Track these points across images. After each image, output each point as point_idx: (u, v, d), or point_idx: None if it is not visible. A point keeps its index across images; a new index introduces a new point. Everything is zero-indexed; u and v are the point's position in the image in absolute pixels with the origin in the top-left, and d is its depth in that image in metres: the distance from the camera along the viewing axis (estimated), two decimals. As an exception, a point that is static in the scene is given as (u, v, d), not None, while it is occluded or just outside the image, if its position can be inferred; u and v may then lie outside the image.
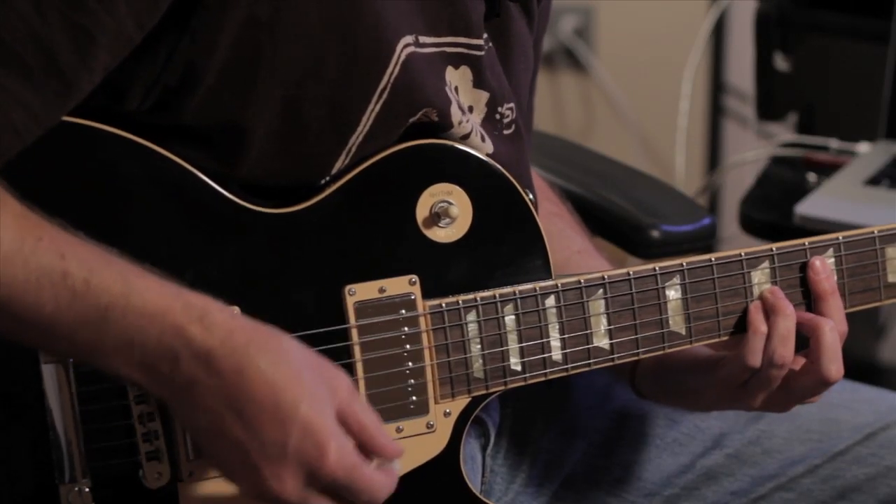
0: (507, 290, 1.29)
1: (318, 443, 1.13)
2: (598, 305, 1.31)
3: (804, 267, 1.36)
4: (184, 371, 1.12)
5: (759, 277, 1.35)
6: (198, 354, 1.12)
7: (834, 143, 2.22)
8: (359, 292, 1.25)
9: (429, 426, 1.29)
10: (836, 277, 1.37)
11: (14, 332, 1.14)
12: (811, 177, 2.15)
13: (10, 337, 1.15)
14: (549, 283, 1.30)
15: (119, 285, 1.13)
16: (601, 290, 1.31)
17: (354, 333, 1.25)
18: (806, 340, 1.34)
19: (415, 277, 1.27)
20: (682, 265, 1.33)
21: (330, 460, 1.13)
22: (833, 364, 1.31)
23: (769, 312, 1.32)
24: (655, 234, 1.77)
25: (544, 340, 1.30)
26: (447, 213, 1.27)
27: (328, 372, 1.16)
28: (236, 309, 1.21)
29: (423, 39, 1.25)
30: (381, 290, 1.26)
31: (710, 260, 1.34)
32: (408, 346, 1.27)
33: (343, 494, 1.16)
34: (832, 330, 1.32)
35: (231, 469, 1.15)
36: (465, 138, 1.30)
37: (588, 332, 1.31)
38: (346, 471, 1.14)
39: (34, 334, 1.14)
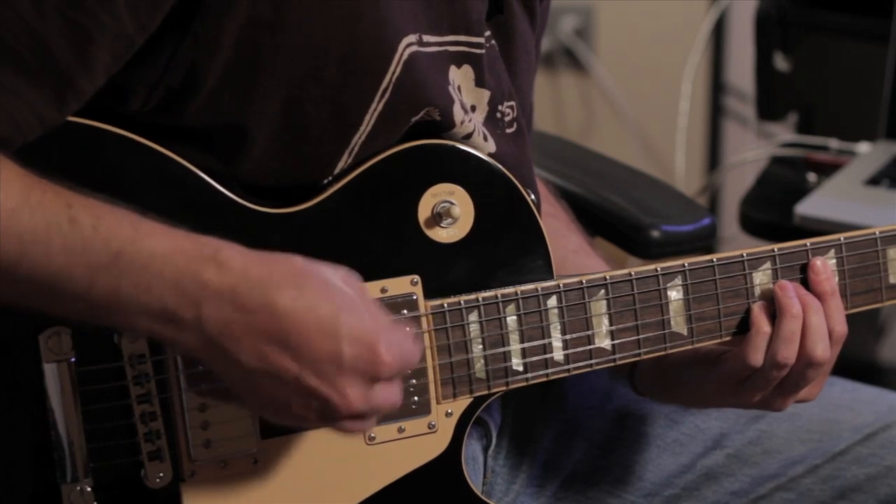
0: (509, 290, 1.29)
1: (369, 344, 1.13)
2: (599, 306, 1.31)
3: (805, 268, 1.36)
4: (210, 315, 1.11)
5: (761, 278, 1.35)
6: (220, 295, 1.11)
7: (834, 143, 2.22)
8: (360, 292, 1.25)
9: (430, 426, 1.29)
10: (837, 278, 1.37)
11: (28, 294, 1.12)
12: (811, 177, 2.15)
13: (27, 302, 1.13)
14: (551, 283, 1.30)
15: (128, 229, 1.12)
16: (603, 291, 1.31)
17: (356, 333, 1.25)
18: None
19: (417, 278, 1.27)
20: (683, 266, 1.33)
21: (384, 357, 1.13)
22: (819, 344, 1.32)
23: (777, 310, 1.32)
24: (655, 234, 1.77)
25: (546, 341, 1.30)
26: (449, 213, 1.27)
27: (345, 278, 1.16)
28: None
29: (426, 38, 1.25)
30: (383, 291, 1.26)
31: (712, 261, 1.34)
32: (409, 347, 1.27)
33: (399, 376, 1.17)
34: (817, 311, 1.32)
35: (288, 408, 1.14)
36: (467, 138, 1.30)
37: (590, 332, 1.31)
38: (399, 359, 1.15)
39: (48, 293, 1.12)
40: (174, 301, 1.11)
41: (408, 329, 1.20)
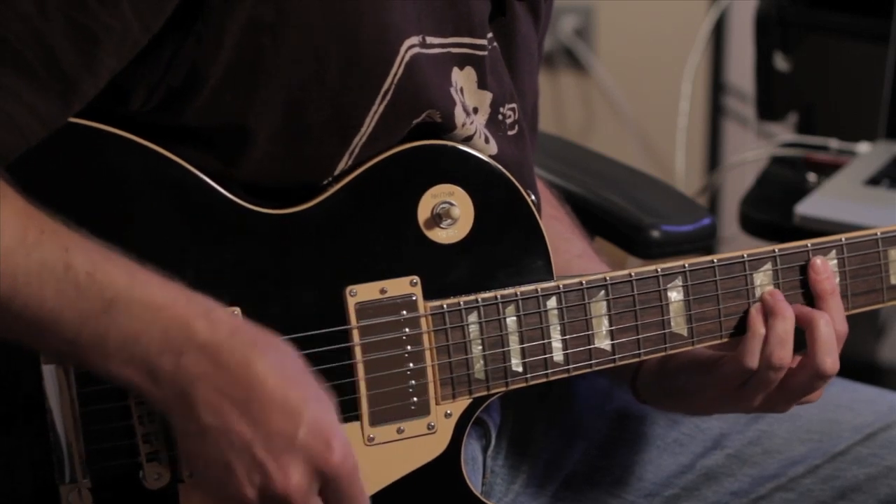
0: (509, 291, 1.29)
1: (326, 438, 1.14)
2: (599, 307, 1.31)
3: (806, 269, 1.35)
4: (188, 365, 1.12)
5: (762, 279, 1.35)
6: (204, 348, 1.12)
7: (834, 143, 2.22)
8: (360, 293, 1.25)
9: (430, 427, 1.29)
10: (838, 279, 1.37)
11: (16, 330, 1.13)
12: (811, 177, 2.15)
13: (12, 336, 1.14)
14: (551, 284, 1.30)
15: (123, 279, 1.12)
16: (603, 292, 1.31)
17: (355, 334, 1.25)
18: (804, 342, 1.34)
19: (416, 278, 1.27)
20: (683, 266, 1.33)
21: (336, 456, 1.14)
22: (828, 357, 1.31)
23: (768, 314, 1.32)
24: (655, 234, 1.77)
25: (546, 341, 1.30)
26: (449, 214, 1.26)
27: (323, 391, 1.17)
28: (237, 310, 1.21)
29: (430, 40, 1.25)
30: (383, 291, 1.26)
31: (713, 261, 1.34)
32: (409, 348, 1.27)
33: (342, 492, 1.16)
34: (827, 323, 1.32)
35: (232, 474, 1.14)
36: (468, 140, 1.30)
37: (590, 333, 1.31)
38: (348, 469, 1.15)
39: (36, 333, 1.13)
40: (157, 350, 1.12)
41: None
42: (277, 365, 1.13)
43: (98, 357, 1.13)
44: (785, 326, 1.31)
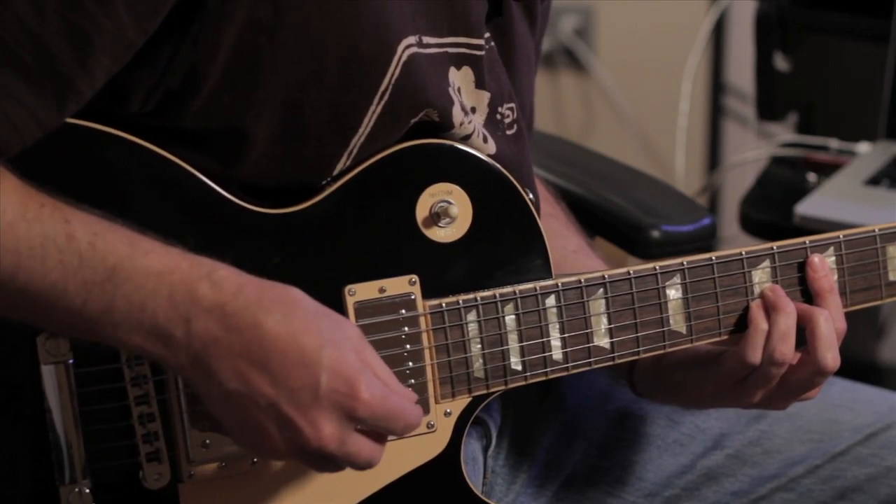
0: (508, 289, 1.29)
1: (349, 380, 1.13)
2: (598, 305, 1.31)
3: (804, 266, 1.35)
4: (199, 331, 1.11)
5: (760, 276, 1.35)
6: (211, 311, 1.11)
7: (834, 143, 2.22)
8: (359, 292, 1.25)
9: (429, 426, 1.29)
10: (836, 276, 1.37)
11: (22, 307, 1.13)
12: (811, 177, 2.15)
13: (19, 314, 1.13)
14: (550, 282, 1.30)
15: (125, 246, 1.12)
16: (601, 290, 1.31)
17: (354, 333, 1.25)
18: (803, 339, 1.34)
19: (415, 277, 1.27)
20: (682, 264, 1.33)
21: (363, 395, 1.13)
22: (829, 353, 1.31)
23: (770, 310, 1.32)
24: (655, 234, 1.77)
25: (545, 340, 1.30)
26: (447, 212, 1.26)
27: (338, 318, 1.16)
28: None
29: (426, 40, 1.25)
30: (381, 290, 1.26)
31: (711, 259, 1.34)
32: (408, 346, 1.27)
33: (380, 426, 1.15)
34: (827, 320, 1.32)
35: (262, 435, 1.13)
36: (466, 139, 1.30)
37: (588, 331, 1.31)
38: (379, 402, 1.14)
39: (42, 307, 1.12)
40: (166, 317, 1.11)
41: (410, 392, 1.20)
42: (286, 317, 1.12)
43: (108, 326, 1.12)
44: (787, 322, 1.31)
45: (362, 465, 1.16)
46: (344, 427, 1.14)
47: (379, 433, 1.17)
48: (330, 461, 1.15)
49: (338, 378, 1.12)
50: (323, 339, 1.13)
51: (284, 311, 1.13)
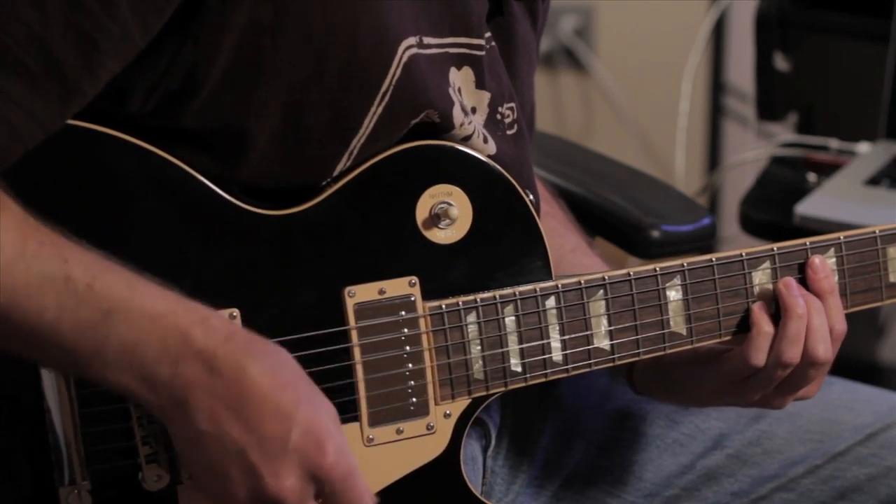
0: (508, 291, 1.29)
1: (318, 440, 1.14)
2: (598, 306, 1.31)
3: (804, 267, 1.35)
4: (184, 374, 1.12)
5: (760, 277, 1.35)
6: (199, 355, 1.12)
7: (834, 143, 2.22)
8: (358, 294, 1.25)
9: (429, 428, 1.29)
10: (836, 277, 1.37)
11: (14, 342, 1.13)
12: (811, 177, 2.15)
13: (11, 348, 1.14)
14: (550, 283, 1.30)
15: (122, 289, 1.13)
16: (602, 291, 1.31)
17: (354, 335, 1.25)
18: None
19: (415, 279, 1.27)
20: (682, 265, 1.33)
21: (329, 458, 1.14)
22: (820, 345, 1.32)
23: (781, 310, 1.32)
24: (655, 234, 1.77)
25: (545, 341, 1.30)
26: (447, 214, 1.26)
27: (320, 393, 1.17)
28: (236, 312, 1.21)
29: (427, 40, 1.25)
30: (381, 292, 1.26)
31: (711, 260, 1.34)
32: (408, 348, 1.26)
33: (335, 498, 1.16)
34: (819, 311, 1.32)
35: (225, 480, 1.14)
36: (466, 140, 1.29)
37: (589, 332, 1.31)
38: (342, 471, 1.15)
39: (34, 344, 1.13)
40: (155, 359, 1.12)
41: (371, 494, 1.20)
42: (270, 370, 1.14)
43: (97, 366, 1.13)
44: (798, 325, 1.31)
45: None
46: (306, 485, 1.14)
47: None
48: None
49: (309, 436, 1.13)
50: (301, 398, 1.14)
51: (270, 363, 1.14)
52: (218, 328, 1.14)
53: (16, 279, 1.10)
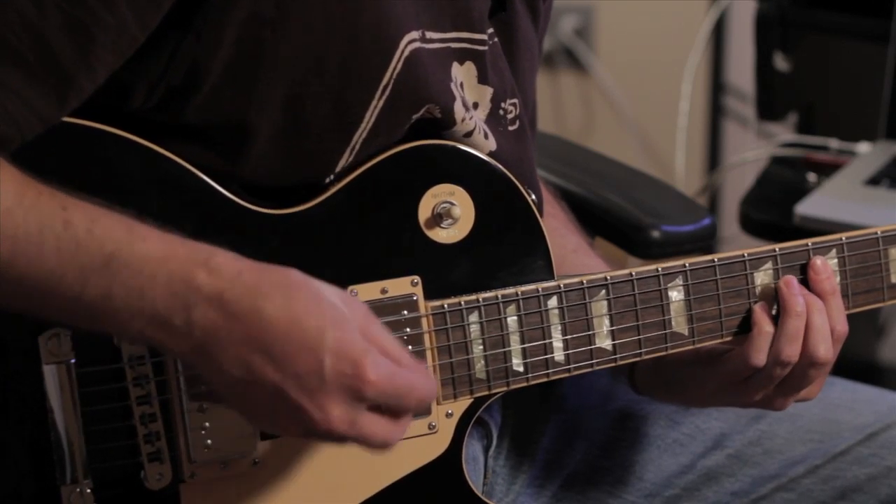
0: (510, 290, 1.29)
1: (354, 361, 1.11)
2: (600, 306, 1.31)
3: (806, 268, 1.35)
4: (199, 320, 1.10)
5: (762, 278, 1.35)
6: (209, 299, 1.10)
7: (834, 143, 2.22)
8: (361, 293, 1.25)
9: (431, 427, 1.29)
10: (838, 278, 1.37)
11: (20, 295, 1.12)
12: (811, 177, 2.15)
13: (17, 303, 1.12)
14: (552, 283, 1.30)
15: (122, 233, 1.11)
16: (604, 291, 1.31)
17: (356, 334, 1.25)
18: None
19: (417, 278, 1.27)
20: (684, 266, 1.33)
21: (369, 376, 1.11)
22: (821, 345, 1.32)
23: (780, 308, 1.32)
24: (655, 234, 1.77)
25: (547, 341, 1.30)
26: (449, 213, 1.26)
27: (343, 296, 1.15)
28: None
29: (429, 35, 1.25)
30: (384, 291, 1.26)
31: (713, 261, 1.34)
32: (410, 348, 1.26)
33: (391, 405, 1.14)
34: (820, 311, 1.32)
35: (273, 418, 1.13)
36: (467, 136, 1.30)
37: (591, 332, 1.31)
38: (387, 381, 1.12)
39: (40, 295, 1.11)
40: (165, 305, 1.10)
41: (423, 365, 1.18)
42: (286, 302, 1.11)
43: (107, 313, 1.11)
44: (797, 324, 1.31)
45: (378, 446, 1.15)
46: (353, 409, 1.12)
47: (393, 411, 1.15)
48: (343, 443, 1.14)
49: (343, 360, 1.11)
50: (325, 321, 1.11)
51: (285, 295, 1.11)
52: (223, 268, 1.11)
53: (16, 227, 1.09)
